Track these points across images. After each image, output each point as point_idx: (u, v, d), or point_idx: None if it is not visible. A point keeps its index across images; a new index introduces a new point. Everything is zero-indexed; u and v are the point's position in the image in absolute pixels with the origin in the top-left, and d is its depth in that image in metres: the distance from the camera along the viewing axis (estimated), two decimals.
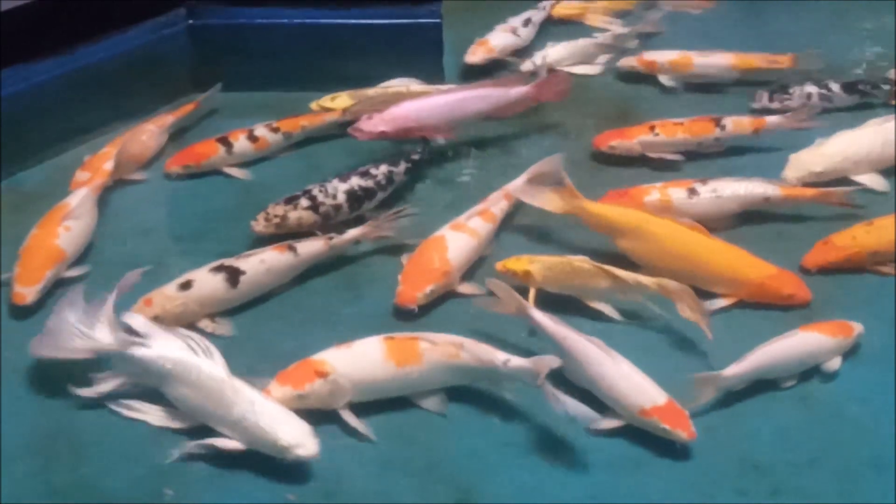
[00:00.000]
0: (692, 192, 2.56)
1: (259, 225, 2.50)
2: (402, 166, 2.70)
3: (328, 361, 2.02)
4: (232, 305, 2.29)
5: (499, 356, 2.03)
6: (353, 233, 2.45)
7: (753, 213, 2.57)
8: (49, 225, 2.45)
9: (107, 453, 1.95)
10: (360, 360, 2.03)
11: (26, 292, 2.27)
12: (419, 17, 3.22)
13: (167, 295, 2.23)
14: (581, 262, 2.29)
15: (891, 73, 3.13)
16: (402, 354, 2.04)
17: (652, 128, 2.84)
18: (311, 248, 2.39)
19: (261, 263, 2.32)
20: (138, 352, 2.02)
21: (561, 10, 3.67)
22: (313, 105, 3.04)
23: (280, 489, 1.87)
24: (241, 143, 2.85)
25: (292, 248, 2.36)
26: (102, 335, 2.04)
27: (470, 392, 2.08)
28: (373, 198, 2.63)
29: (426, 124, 2.76)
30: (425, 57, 3.20)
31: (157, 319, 2.15)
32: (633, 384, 1.98)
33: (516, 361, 2.01)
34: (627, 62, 3.25)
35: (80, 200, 2.52)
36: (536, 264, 2.30)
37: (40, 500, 1.86)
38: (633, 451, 1.94)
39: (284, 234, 2.47)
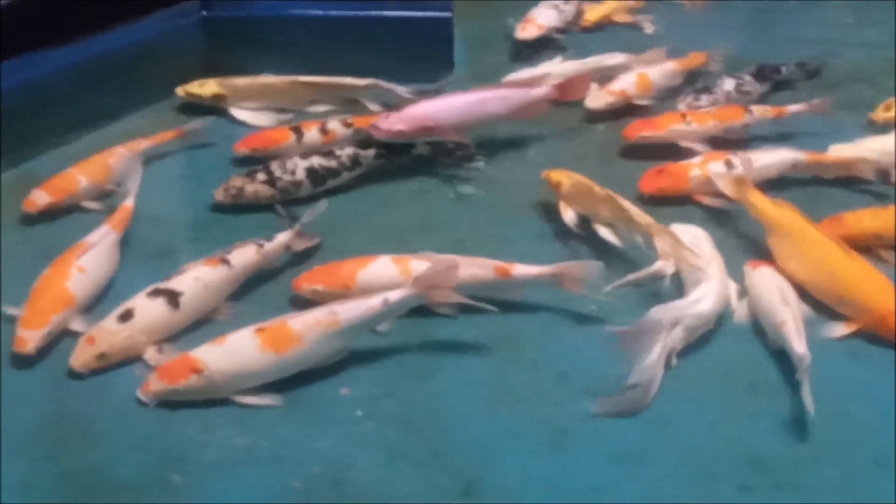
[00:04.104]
0: (728, 164, 2.64)
1: (219, 194, 2.60)
2: (373, 151, 2.73)
3: (200, 358, 2.03)
4: (177, 329, 2.19)
5: (374, 301, 2.09)
6: (281, 238, 2.38)
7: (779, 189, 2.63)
8: (63, 264, 2.26)
9: (116, 439, 1.96)
10: (234, 355, 2.03)
11: (27, 337, 2.10)
12: (430, 10, 3.22)
13: (109, 329, 2.12)
14: (599, 188, 2.46)
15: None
16: (278, 342, 2.04)
17: (683, 116, 2.87)
18: (244, 258, 2.31)
19: (196, 281, 2.22)
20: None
21: (589, 18, 3.68)
22: (179, 91, 3.04)
23: (286, 477, 1.88)
24: (311, 133, 2.86)
25: (225, 261, 2.28)
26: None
27: (476, 382, 2.10)
28: (337, 176, 2.68)
29: (444, 124, 2.76)
30: (436, 50, 3.21)
31: (102, 357, 2.09)
32: None
33: (395, 295, 2.09)
34: (600, 100, 3.08)
35: (99, 239, 2.35)
36: (567, 179, 2.54)
37: (50, 485, 1.87)
38: (638, 443, 1.95)
39: (245, 206, 2.60)
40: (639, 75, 3.13)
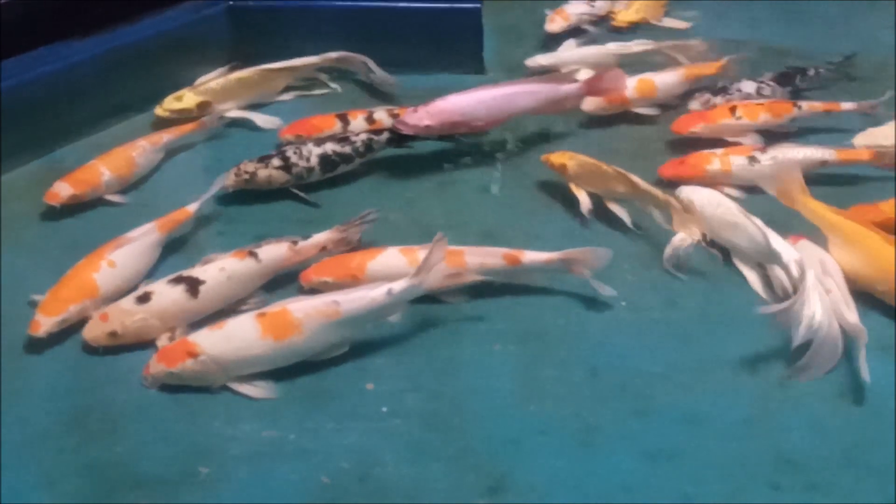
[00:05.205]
0: (752, 159, 2.60)
1: (229, 179, 2.58)
2: (385, 136, 2.73)
3: (198, 343, 2.03)
4: (195, 318, 2.17)
5: (378, 291, 2.08)
6: (318, 238, 2.34)
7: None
8: (95, 257, 2.26)
9: (142, 431, 1.96)
10: (232, 340, 2.03)
11: (42, 322, 2.12)
12: (459, 1, 3.19)
13: (124, 309, 2.13)
14: (607, 167, 2.50)
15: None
16: (279, 329, 2.03)
17: (733, 109, 2.83)
18: (274, 254, 2.28)
19: (220, 272, 2.21)
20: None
21: (624, 18, 3.61)
22: (160, 111, 2.96)
23: (315, 471, 1.88)
24: (357, 122, 2.85)
25: (253, 255, 2.25)
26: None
27: (504, 377, 2.08)
28: (350, 162, 2.69)
29: (472, 119, 2.73)
30: (465, 42, 3.18)
31: (114, 335, 2.10)
32: None
33: (399, 285, 2.07)
34: (594, 104, 2.94)
35: (139, 236, 2.33)
36: (573, 160, 2.56)
37: (75, 477, 1.87)
38: (669, 441, 1.93)
39: (255, 191, 2.59)
40: (640, 80, 2.98)
